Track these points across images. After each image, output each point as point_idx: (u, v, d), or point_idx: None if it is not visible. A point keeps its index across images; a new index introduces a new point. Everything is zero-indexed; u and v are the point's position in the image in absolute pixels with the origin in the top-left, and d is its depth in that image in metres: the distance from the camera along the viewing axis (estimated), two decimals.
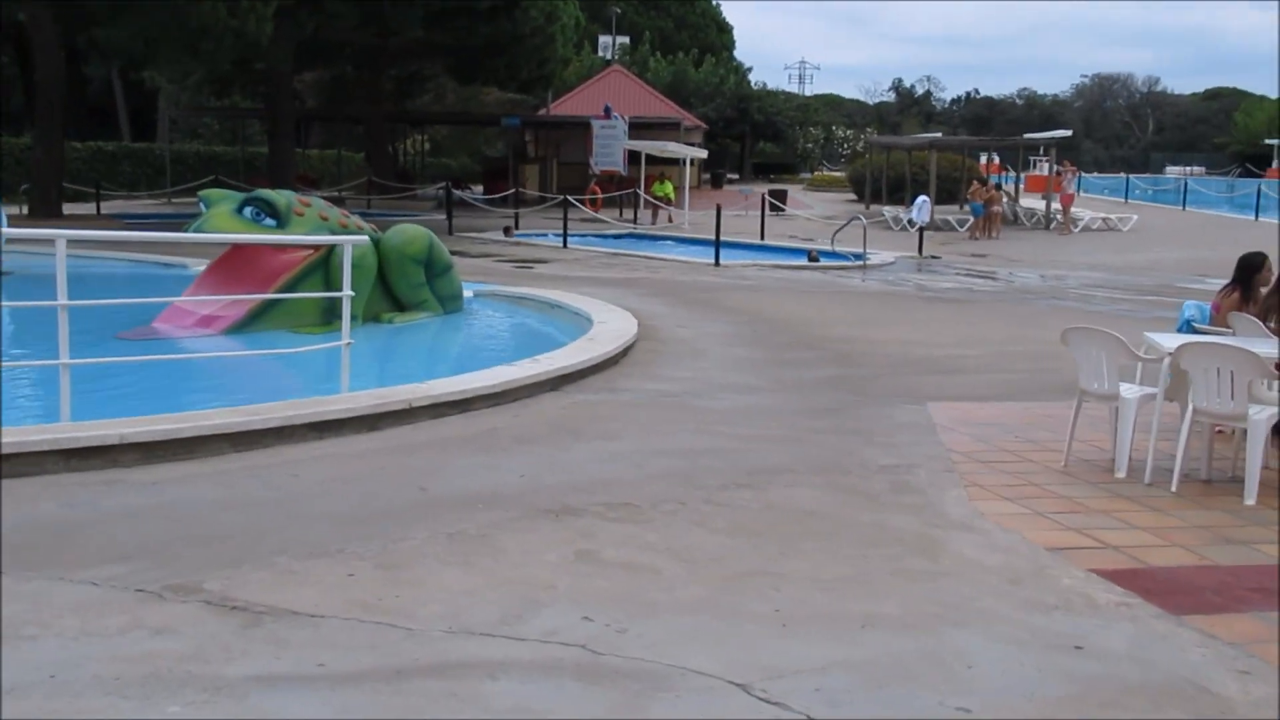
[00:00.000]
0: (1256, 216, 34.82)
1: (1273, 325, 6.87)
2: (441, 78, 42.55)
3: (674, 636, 3.83)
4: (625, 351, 9.55)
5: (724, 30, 73.76)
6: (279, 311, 10.65)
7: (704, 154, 35.80)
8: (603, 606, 4.07)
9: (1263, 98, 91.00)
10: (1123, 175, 58.89)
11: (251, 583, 4.18)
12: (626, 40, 62.27)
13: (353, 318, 7.51)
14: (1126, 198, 46.00)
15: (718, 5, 74.37)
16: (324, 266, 11.12)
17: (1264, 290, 7.29)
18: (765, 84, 78.63)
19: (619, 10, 60.71)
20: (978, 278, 18.14)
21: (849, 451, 6.59)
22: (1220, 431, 6.49)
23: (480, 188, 38.90)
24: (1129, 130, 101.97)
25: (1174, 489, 5.79)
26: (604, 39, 60.68)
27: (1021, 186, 35.16)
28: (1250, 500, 5.55)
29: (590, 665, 3.59)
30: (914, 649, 3.78)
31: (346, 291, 7.25)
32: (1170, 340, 6.38)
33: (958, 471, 6.15)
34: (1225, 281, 7.71)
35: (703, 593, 4.27)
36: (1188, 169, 66.96)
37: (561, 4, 34.97)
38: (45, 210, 24.35)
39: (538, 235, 23.91)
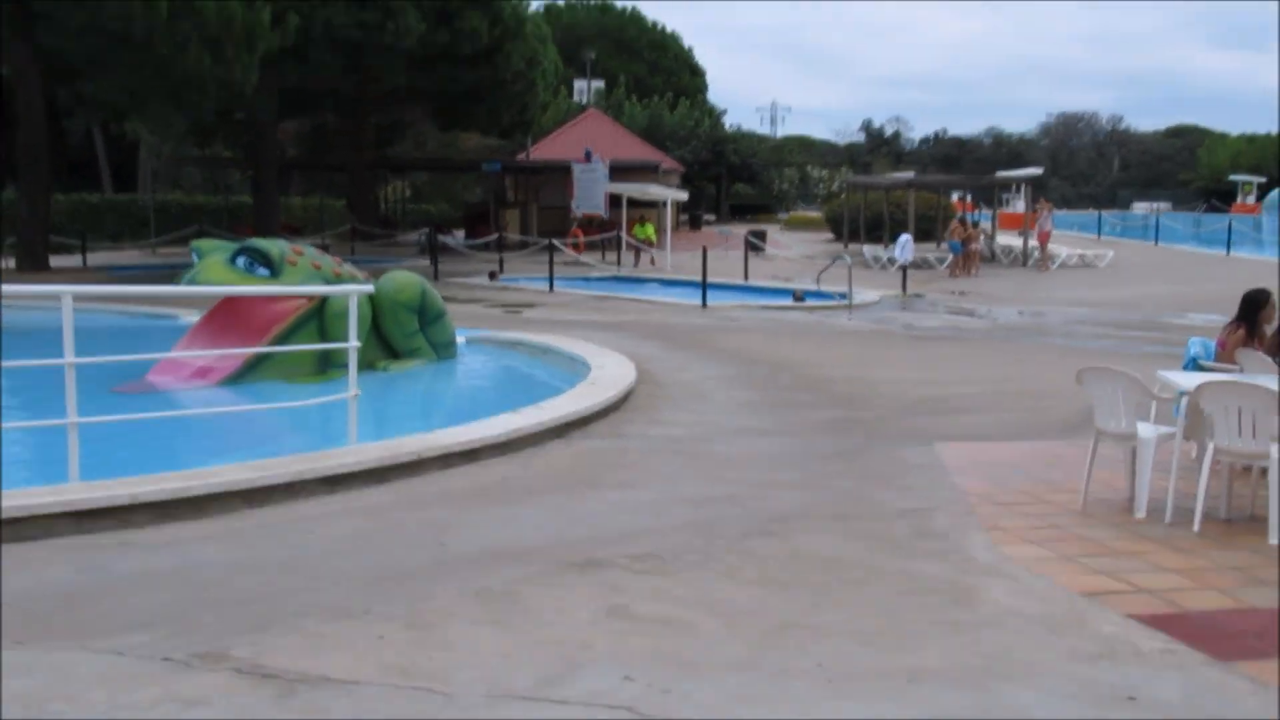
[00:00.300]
0: (1228, 251, 35.21)
1: None
2: (422, 125, 42.67)
3: (720, 697, 3.75)
4: (626, 396, 9.50)
5: (697, 74, 74.52)
6: (274, 362, 10.55)
7: (684, 196, 35.98)
8: (643, 666, 3.98)
9: (1224, 135, 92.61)
10: (1091, 212, 59.56)
11: (280, 648, 4.06)
12: (601, 84, 62.77)
13: (347, 367, 7.40)
14: (1099, 234, 46.51)
15: (690, 49, 75.23)
16: (317, 317, 11.04)
17: (1268, 326, 7.35)
18: (739, 125, 79.41)
19: (593, 55, 61.25)
20: (963, 315, 18.23)
21: (865, 495, 6.54)
22: (1233, 469, 6.48)
23: (461, 232, 38.93)
24: (1095, 168, 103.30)
25: (1196, 529, 5.77)
26: (579, 83, 61.17)
27: (994, 224, 35.50)
28: (1275, 539, 5.52)
29: None
30: (967, 705, 3.71)
31: (353, 342, 7.17)
32: (1185, 379, 6.39)
33: (978, 514, 6.11)
34: (1228, 318, 7.77)
35: (742, 649, 4.19)
36: (1155, 205, 67.82)
37: (541, 49, 35.21)
38: (32, 263, 24.09)
39: (523, 279, 23.90)
